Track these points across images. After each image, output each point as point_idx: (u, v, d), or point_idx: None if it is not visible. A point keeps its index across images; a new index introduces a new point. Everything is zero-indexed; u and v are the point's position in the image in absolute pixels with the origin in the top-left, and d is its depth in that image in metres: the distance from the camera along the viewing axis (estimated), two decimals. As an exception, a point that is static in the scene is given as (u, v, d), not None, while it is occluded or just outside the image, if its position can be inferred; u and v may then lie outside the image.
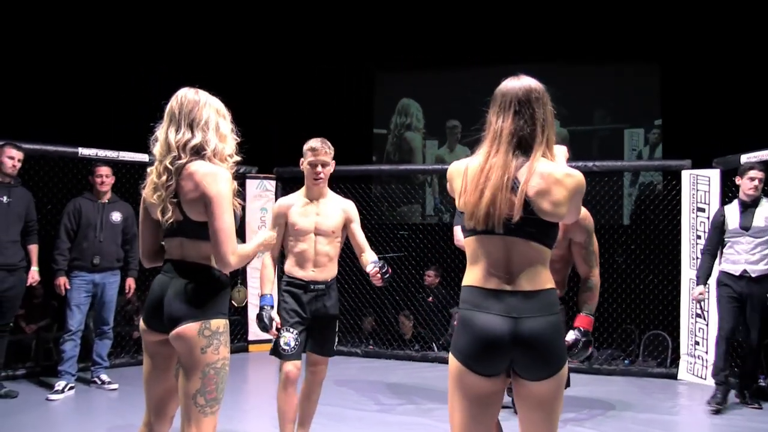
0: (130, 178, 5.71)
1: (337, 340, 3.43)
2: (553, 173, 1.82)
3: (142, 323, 2.28)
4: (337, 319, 3.42)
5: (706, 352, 5.36)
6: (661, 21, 8.13)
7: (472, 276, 1.87)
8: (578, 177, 1.85)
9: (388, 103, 9.69)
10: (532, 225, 1.81)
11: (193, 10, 8.44)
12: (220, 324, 2.19)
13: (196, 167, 2.17)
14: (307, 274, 3.28)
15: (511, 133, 1.86)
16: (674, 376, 5.57)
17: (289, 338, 3.18)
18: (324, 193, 3.38)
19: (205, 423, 2.15)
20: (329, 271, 3.35)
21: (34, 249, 4.79)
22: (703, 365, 5.39)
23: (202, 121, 2.23)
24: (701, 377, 5.39)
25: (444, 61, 8.99)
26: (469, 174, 1.87)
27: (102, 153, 5.47)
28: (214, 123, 2.25)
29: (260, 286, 3.30)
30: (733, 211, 4.71)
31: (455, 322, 1.90)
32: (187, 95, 2.27)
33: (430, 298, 6.84)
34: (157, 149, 2.26)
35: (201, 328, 2.14)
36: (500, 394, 1.88)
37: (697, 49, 7.92)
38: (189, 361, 2.14)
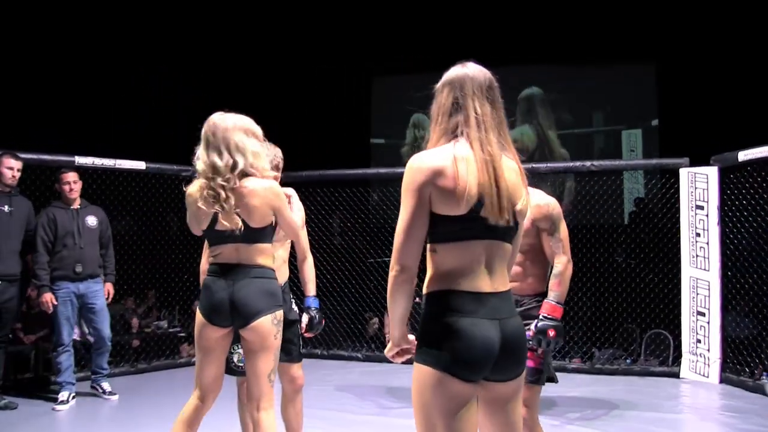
0: (124, 182, 5.72)
1: (302, 343, 3.29)
2: (522, 173, 1.80)
3: (202, 319, 2.58)
4: (297, 323, 3.18)
5: (708, 350, 5.35)
6: (657, 20, 8.16)
7: (453, 279, 1.73)
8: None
9: (385, 106, 9.70)
10: (513, 226, 1.77)
11: (192, 12, 8.44)
12: (281, 313, 2.62)
13: (257, 185, 2.55)
14: None
15: (494, 122, 1.78)
16: (676, 375, 5.55)
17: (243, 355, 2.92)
18: None
19: (272, 391, 2.62)
20: (280, 276, 3.11)
21: (30, 259, 4.77)
22: (705, 363, 5.38)
23: (235, 145, 2.54)
24: (704, 375, 5.38)
25: (441, 63, 8.99)
26: (467, 166, 1.71)
27: (99, 161, 5.44)
28: (245, 144, 2.55)
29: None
30: None
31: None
32: (216, 121, 2.57)
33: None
34: (201, 167, 2.55)
35: (272, 319, 2.56)
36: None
37: (693, 48, 7.95)
38: (263, 346, 2.56)
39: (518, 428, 1.82)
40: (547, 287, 2.79)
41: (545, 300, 2.74)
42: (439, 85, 1.88)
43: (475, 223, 1.71)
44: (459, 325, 1.69)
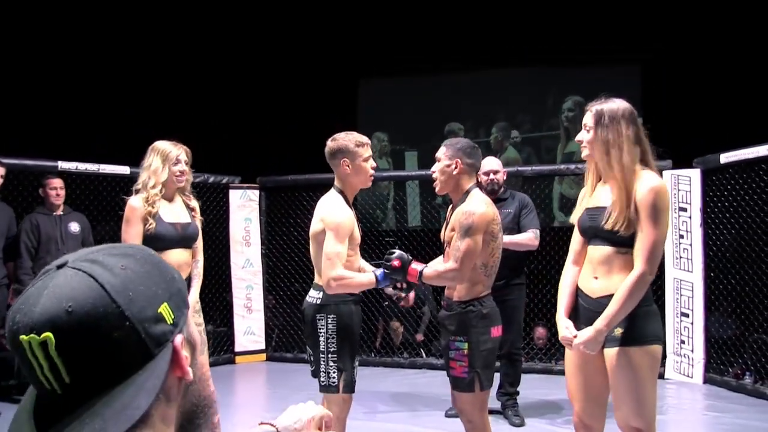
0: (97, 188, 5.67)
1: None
2: None
3: None
4: None
5: (692, 351, 5.40)
6: (642, 23, 8.23)
7: None
8: None
9: (370, 109, 9.69)
10: None
11: (176, 13, 8.39)
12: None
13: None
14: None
15: None
16: (661, 376, 5.59)
17: (356, 372, 2.89)
18: None
19: None
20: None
21: (11, 266, 4.73)
22: (689, 363, 5.43)
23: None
24: (688, 375, 5.43)
25: (429, 66, 9.02)
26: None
27: (82, 166, 5.40)
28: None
29: (358, 286, 2.77)
30: None
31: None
32: None
33: (402, 303, 6.87)
34: None
35: None
36: None
37: (677, 51, 8.03)
38: None
39: None
40: (474, 296, 2.70)
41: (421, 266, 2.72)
42: (609, 117, 2.27)
43: None
44: (656, 311, 2.33)
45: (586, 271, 2.35)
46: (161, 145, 3.25)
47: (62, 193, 4.91)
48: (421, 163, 9.27)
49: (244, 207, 6.64)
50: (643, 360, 2.21)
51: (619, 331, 2.22)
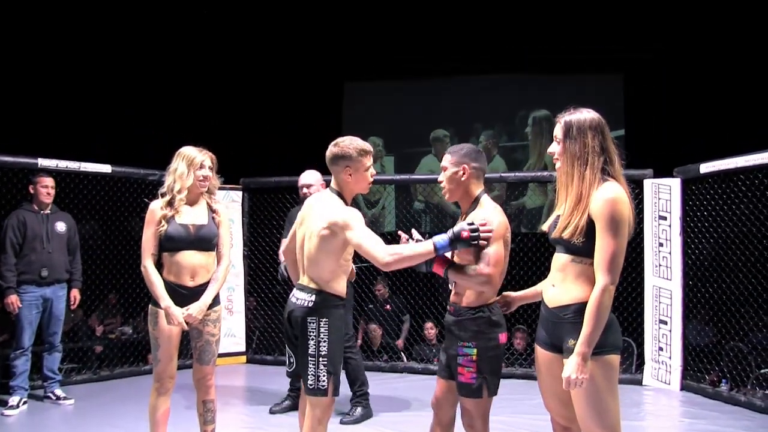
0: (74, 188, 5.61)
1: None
2: None
3: None
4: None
5: (670, 358, 5.46)
6: (627, 33, 8.32)
7: None
8: None
9: (356, 112, 9.69)
10: None
11: (162, 14, 8.35)
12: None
13: None
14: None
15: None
16: (639, 382, 5.65)
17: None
18: None
19: None
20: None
21: None
22: (666, 370, 5.48)
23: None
24: (665, 382, 5.48)
25: (413, 70, 9.05)
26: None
27: (63, 164, 5.33)
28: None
29: (416, 256, 2.62)
30: None
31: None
32: None
33: (387, 306, 6.91)
34: None
35: None
36: None
37: (658, 61, 8.13)
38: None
39: None
40: (482, 302, 2.70)
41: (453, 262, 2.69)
42: (576, 128, 2.29)
43: None
44: (614, 319, 2.28)
45: (549, 278, 2.37)
46: (187, 150, 3.35)
47: (52, 192, 4.89)
48: (398, 168, 9.31)
49: (227, 208, 6.55)
50: (596, 370, 2.19)
51: (572, 342, 2.22)
